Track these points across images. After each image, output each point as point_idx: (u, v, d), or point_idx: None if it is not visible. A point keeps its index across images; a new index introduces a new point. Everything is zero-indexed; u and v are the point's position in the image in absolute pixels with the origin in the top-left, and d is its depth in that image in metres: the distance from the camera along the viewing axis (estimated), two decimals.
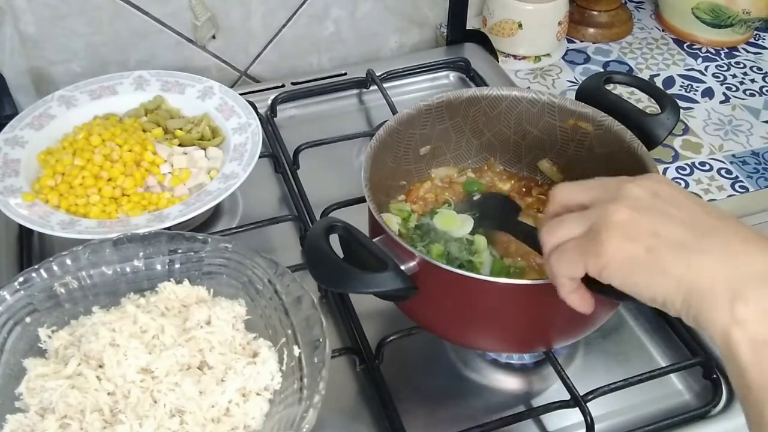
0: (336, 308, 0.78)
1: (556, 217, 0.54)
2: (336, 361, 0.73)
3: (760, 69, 1.17)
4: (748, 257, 0.46)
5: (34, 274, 0.69)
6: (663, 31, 1.26)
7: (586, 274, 0.51)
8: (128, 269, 0.71)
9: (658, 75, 1.16)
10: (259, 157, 0.85)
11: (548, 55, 1.19)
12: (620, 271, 0.48)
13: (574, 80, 1.16)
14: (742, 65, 1.18)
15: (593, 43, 1.23)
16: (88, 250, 0.70)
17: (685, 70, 1.17)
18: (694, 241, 0.47)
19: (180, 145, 0.89)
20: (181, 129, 0.91)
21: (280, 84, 1.09)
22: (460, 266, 0.70)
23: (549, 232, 0.53)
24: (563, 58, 1.20)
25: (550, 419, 0.70)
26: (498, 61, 1.15)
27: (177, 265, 0.72)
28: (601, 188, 0.53)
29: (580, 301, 0.54)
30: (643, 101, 1.05)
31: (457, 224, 0.74)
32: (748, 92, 1.13)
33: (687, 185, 0.97)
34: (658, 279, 0.47)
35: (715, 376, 0.71)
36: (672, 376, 0.73)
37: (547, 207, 0.56)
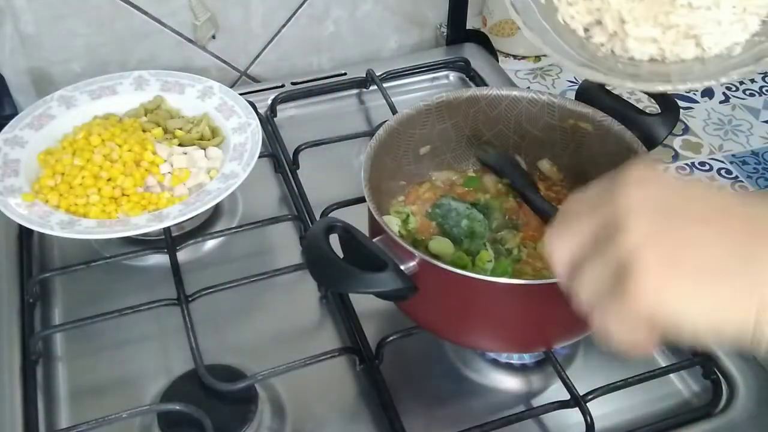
0: (336, 308, 0.78)
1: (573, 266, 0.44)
2: (336, 361, 0.73)
3: None
4: None
5: None
6: None
7: None
8: None
9: None
10: (259, 156, 0.85)
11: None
12: (676, 308, 0.39)
13: (574, 80, 1.16)
14: None
15: None
16: None
17: None
18: (744, 244, 0.39)
19: (180, 145, 0.89)
20: (180, 129, 0.91)
21: (280, 84, 1.09)
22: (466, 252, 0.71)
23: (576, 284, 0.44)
24: None
25: (550, 419, 0.70)
26: (498, 61, 1.15)
27: None
28: (596, 214, 0.43)
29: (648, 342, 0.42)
30: (643, 101, 1.05)
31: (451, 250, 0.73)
32: (748, 92, 1.13)
33: None
34: (723, 307, 0.38)
35: (715, 376, 0.71)
36: (672, 376, 0.73)
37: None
